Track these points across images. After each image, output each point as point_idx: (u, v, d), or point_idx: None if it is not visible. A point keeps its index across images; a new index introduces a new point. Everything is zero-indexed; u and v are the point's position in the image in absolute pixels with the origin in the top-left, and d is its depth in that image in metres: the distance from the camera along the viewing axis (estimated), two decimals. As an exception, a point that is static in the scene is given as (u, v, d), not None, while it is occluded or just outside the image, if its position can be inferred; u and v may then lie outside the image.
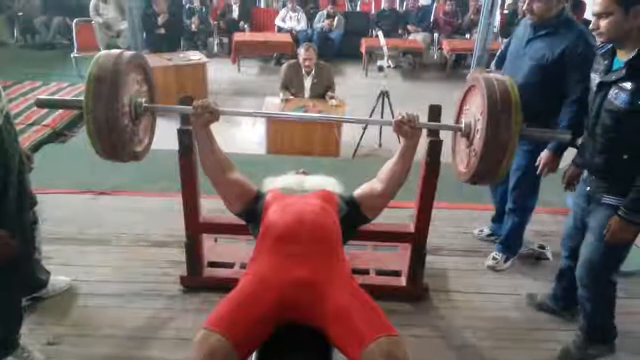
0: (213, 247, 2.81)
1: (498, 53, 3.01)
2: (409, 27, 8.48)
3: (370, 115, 4.61)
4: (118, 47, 7.65)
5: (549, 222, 3.34)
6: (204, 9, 8.25)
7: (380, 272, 2.66)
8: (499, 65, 2.87)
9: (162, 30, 6.39)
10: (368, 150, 4.88)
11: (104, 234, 3.02)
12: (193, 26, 7.91)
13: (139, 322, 2.36)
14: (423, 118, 2.30)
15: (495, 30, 7.41)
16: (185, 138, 2.24)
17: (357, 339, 1.47)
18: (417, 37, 8.21)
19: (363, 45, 7.64)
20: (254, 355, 1.58)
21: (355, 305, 1.58)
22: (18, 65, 7.06)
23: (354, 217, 2.01)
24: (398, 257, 2.72)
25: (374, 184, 2.03)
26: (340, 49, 8.14)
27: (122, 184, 3.53)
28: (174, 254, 2.79)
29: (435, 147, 2.23)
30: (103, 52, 1.84)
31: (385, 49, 4.65)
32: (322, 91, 4.67)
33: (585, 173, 2.11)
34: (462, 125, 1.94)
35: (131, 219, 3.18)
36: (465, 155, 1.96)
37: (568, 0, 2.89)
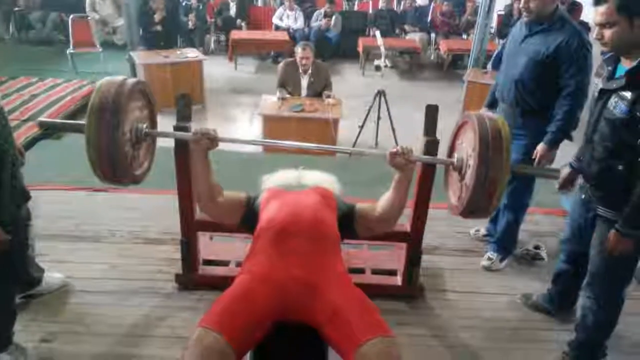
0: (208, 245, 2.81)
1: (495, 54, 3.03)
2: (406, 27, 8.49)
3: (367, 115, 4.62)
4: (114, 44, 7.66)
5: (543, 223, 3.35)
6: (201, 6, 8.23)
7: (376, 271, 2.66)
8: (496, 66, 2.89)
9: (159, 28, 6.36)
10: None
11: (99, 231, 3.01)
12: (190, 23, 7.88)
13: (134, 319, 2.35)
14: (419, 117, 2.31)
15: (492, 31, 7.43)
16: (181, 135, 2.22)
17: (351, 339, 1.47)
18: (414, 37, 8.22)
19: (360, 45, 7.64)
20: (249, 353, 1.58)
21: (351, 305, 1.58)
22: (13, 61, 7.02)
23: (347, 224, 2.00)
24: (394, 257, 2.72)
25: (374, 209, 2.01)
26: (337, 48, 8.14)
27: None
28: (169, 252, 2.79)
29: (431, 147, 2.22)
30: (105, 80, 1.85)
31: (382, 48, 4.66)
32: (319, 90, 4.67)
33: (582, 180, 2.09)
34: (455, 160, 1.98)
35: (126, 216, 3.17)
36: (458, 188, 1.99)
37: (564, 1, 2.91)
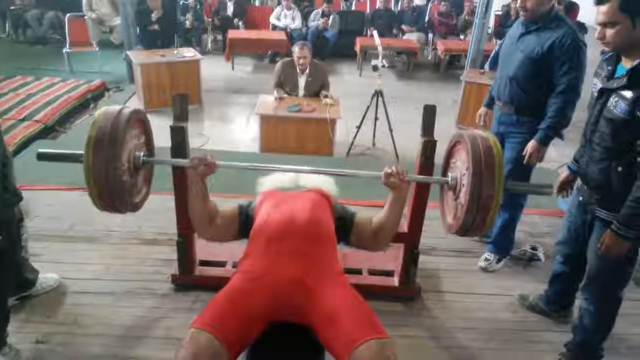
0: (205, 246, 2.78)
1: (492, 54, 3.04)
2: (404, 27, 8.50)
3: (364, 115, 4.62)
4: (111, 43, 7.63)
5: (540, 224, 3.35)
6: (198, 6, 8.20)
7: (373, 272, 2.66)
8: (493, 67, 2.90)
9: (156, 27, 6.33)
10: (362, 149, 4.88)
11: (95, 232, 2.99)
12: (187, 23, 7.87)
13: (130, 320, 2.34)
14: (417, 117, 2.30)
15: (490, 31, 7.43)
16: (177, 135, 2.21)
17: (347, 340, 1.47)
18: (412, 37, 8.22)
19: (358, 45, 7.64)
20: (244, 354, 1.57)
21: (346, 306, 1.58)
22: (9, 60, 7.00)
23: (343, 229, 2.00)
24: (391, 257, 2.72)
25: (371, 224, 2.01)
26: (334, 48, 8.13)
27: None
28: (166, 252, 2.78)
29: (429, 147, 2.22)
30: (101, 112, 1.86)
31: (379, 48, 4.64)
32: (317, 90, 4.66)
33: (580, 182, 2.09)
34: (449, 179, 1.98)
35: (122, 216, 3.13)
36: (453, 207, 1.99)
37: (561, 2, 2.93)
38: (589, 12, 1.86)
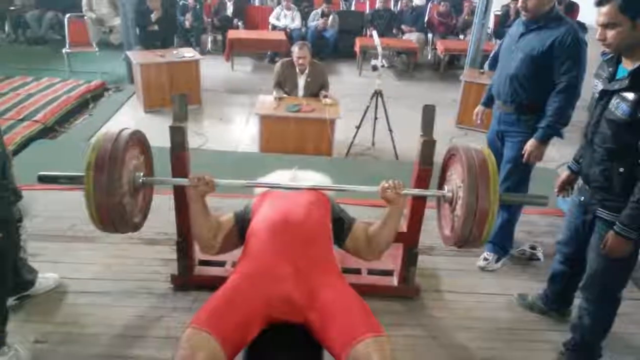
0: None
1: (492, 54, 3.04)
2: (403, 27, 8.49)
3: (364, 115, 4.62)
4: (110, 43, 7.63)
5: (539, 223, 3.35)
6: (197, 6, 8.20)
7: (372, 272, 2.66)
8: (492, 67, 2.91)
9: (156, 27, 6.33)
10: (361, 149, 4.88)
11: (94, 231, 2.95)
12: (187, 23, 7.87)
13: (128, 320, 2.34)
14: (416, 117, 2.30)
15: (489, 31, 7.43)
16: (177, 135, 2.22)
17: (344, 339, 1.47)
18: (412, 37, 8.22)
19: (357, 45, 7.64)
20: (241, 353, 1.57)
21: (344, 304, 1.58)
22: (9, 60, 7.00)
23: (339, 232, 2.00)
24: (390, 257, 2.72)
25: (367, 232, 2.01)
26: (334, 48, 8.13)
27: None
28: (165, 252, 2.78)
29: (428, 147, 2.22)
30: (100, 135, 1.87)
31: (379, 48, 4.64)
32: (316, 90, 4.66)
33: (581, 182, 2.09)
34: (445, 192, 1.99)
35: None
36: (450, 220, 2.00)
37: (561, 2, 2.93)
38: (589, 13, 1.85)
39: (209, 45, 8.41)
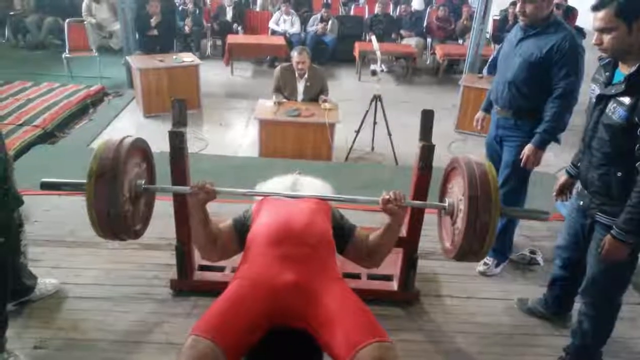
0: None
1: (490, 59, 3.05)
2: (402, 31, 8.52)
3: (363, 119, 4.63)
4: (110, 48, 7.65)
5: (539, 228, 3.35)
6: (197, 11, 8.23)
7: (372, 277, 2.66)
8: (491, 71, 2.91)
9: (155, 32, 6.36)
10: (361, 153, 4.88)
11: (94, 237, 2.94)
12: (186, 28, 7.89)
13: (128, 326, 2.34)
14: (415, 121, 2.31)
15: (488, 36, 7.46)
16: (176, 140, 2.22)
17: (348, 344, 1.47)
18: (410, 42, 8.24)
19: (356, 50, 7.66)
20: (244, 359, 1.57)
21: (347, 309, 1.58)
22: (9, 65, 7.01)
23: (340, 239, 2.00)
24: (390, 262, 2.71)
25: (368, 240, 2.01)
26: (333, 52, 8.15)
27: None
28: (165, 257, 2.78)
29: (426, 152, 2.23)
30: (102, 144, 1.87)
31: (378, 53, 4.66)
32: (316, 95, 4.67)
33: (580, 186, 2.09)
34: (446, 205, 1.98)
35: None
36: (450, 232, 2.00)
37: (560, 7, 2.94)
38: (588, 17, 1.86)
39: (209, 50, 8.43)
